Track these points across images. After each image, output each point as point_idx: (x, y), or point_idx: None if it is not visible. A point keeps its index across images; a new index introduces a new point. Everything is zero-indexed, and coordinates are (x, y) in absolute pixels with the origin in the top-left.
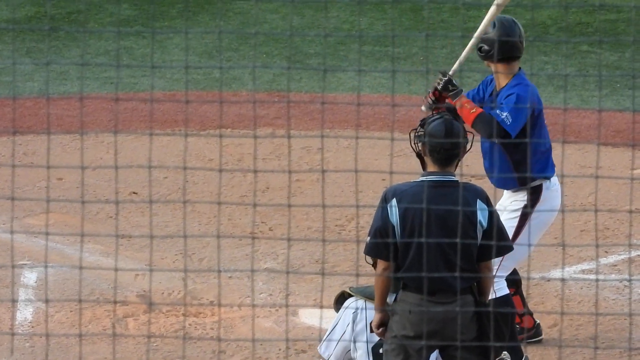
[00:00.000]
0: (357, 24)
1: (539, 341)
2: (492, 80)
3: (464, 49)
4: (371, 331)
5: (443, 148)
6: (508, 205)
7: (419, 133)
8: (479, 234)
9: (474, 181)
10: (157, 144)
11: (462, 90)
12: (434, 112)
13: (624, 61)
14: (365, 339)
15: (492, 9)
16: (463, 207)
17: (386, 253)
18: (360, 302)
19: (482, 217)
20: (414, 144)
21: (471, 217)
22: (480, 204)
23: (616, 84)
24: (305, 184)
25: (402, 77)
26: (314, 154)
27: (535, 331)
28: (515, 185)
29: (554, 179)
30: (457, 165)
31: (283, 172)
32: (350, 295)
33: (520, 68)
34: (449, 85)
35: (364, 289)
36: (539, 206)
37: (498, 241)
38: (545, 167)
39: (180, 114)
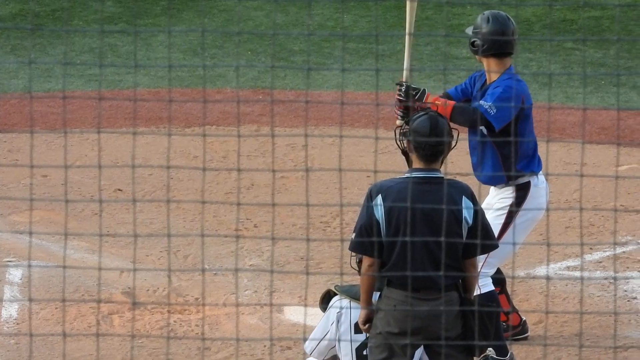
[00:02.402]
0: (341, 21)
1: (525, 339)
2: (481, 75)
3: (404, 53)
4: (356, 331)
5: (428, 144)
6: (495, 202)
7: (404, 130)
8: (464, 232)
9: (459, 179)
10: (141, 142)
11: (425, 90)
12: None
13: (609, 58)
14: (349, 338)
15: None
16: (448, 204)
17: (371, 250)
18: (345, 302)
19: (467, 214)
20: (399, 141)
21: (457, 215)
22: (465, 201)
23: (601, 81)
24: (290, 181)
25: (386, 74)
26: (299, 151)
27: (521, 329)
28: (503, 181)
29: (541, 177)
30: (442, 162)
31: (267, 169)
32: (335, 294)
33: (511, 65)
34: (410, 92)
35: (349, 288)
36: (526, 204)
37: (483, 239)
38: (533, 163)
39: (165, 111)
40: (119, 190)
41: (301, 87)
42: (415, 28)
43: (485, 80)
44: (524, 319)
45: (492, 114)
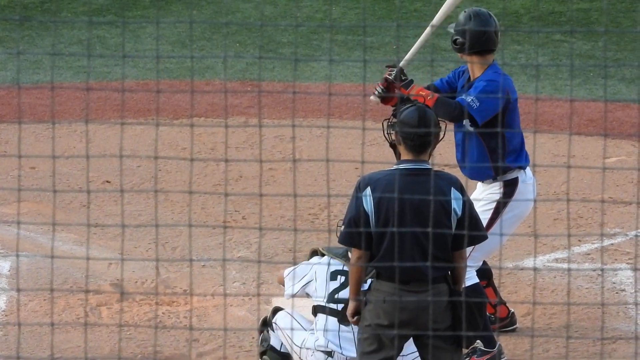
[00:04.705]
0: (330, 13)
1: (514, 330)
2: (464, 71)
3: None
4: (331, 279)
5: (417, 135)
6: (482, 198)
7: (392, 122)
8: (454, 223)
9: (447, 170)
10: (129, 133)
11: (412, 81)
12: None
13: (597, 50)
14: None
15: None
16: (437, 195)
17: (360, 242)
18: (326, 258)
19: (456, 205)
20: (387, 133)
21: (446, 206)
22: (454, 193)
23: (589, 73)
24: (278, 173)
25: (374, 66)
26: (287, 142)
27: (509, 320)
28: (490, 176)
29: (529, 172)
30: (430, 154)
31: (255, 161)
32: (323, 254)
33: (494, 60)
34: (401, 75)
35: (333, 249)
36: (513, 200)
37: (472, 230)
38: (521, 157)
39: (153, 103)
40: (107, 182)
41: (289, 79)
42: (404, 20)
43: (469, 76)
44: (512, 310)
45: (475, 107)
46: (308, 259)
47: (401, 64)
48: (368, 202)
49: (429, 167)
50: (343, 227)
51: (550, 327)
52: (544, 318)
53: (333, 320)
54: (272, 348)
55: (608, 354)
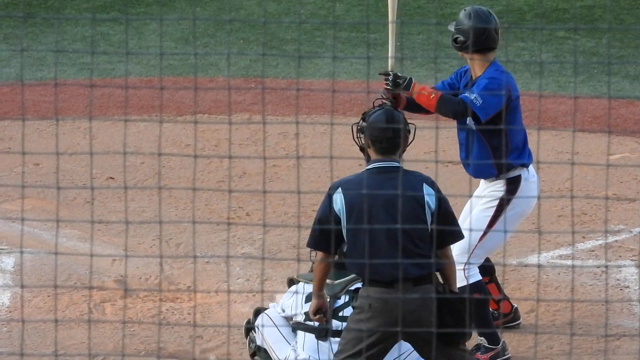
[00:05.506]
0: (333, 10)
1: (517, 326)
2: (467, 70)
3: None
4: (306, 301)
5: (385, 137)
6: (484, 195)
7: (360, 126)
8: (428, 217)
9: (450, 167)
10: (133, 130)
11: (411, 79)
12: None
13: (601, 47)
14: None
15: None
16: (409, 190)
17: (327, 245)
18: (301, 285)
19: (429, 200)
20: (357, 137)
21: (419, 200)
22: (427, 189)
23: (593, 70)
24: (282, 170)
25: (378, 63)
26: (291, 139)
27: (512, 316)
28: (493, 174)
29: (532, 170)
30: (400, 155)
31: (259, 157)
32: (298, 281)
33: (495, 58)
34: (398, 81)
35: (308, 275)
36: (515, 199)
37: (448, 225)
38: (523, 155)
39: (157, 99)
40: (111, 178)
41: (293, 76)
42: (407, 17)
43: (471, 76)
44: (515, 306)
45: (478, 104)
46: (289, 283)
47: (390, 68)
48: (338, 202)
49: (398, 165)
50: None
51: (554, 323)
52: (547, 315)
53: (311, 337)
54: (260, 348)
55: (612, 351)
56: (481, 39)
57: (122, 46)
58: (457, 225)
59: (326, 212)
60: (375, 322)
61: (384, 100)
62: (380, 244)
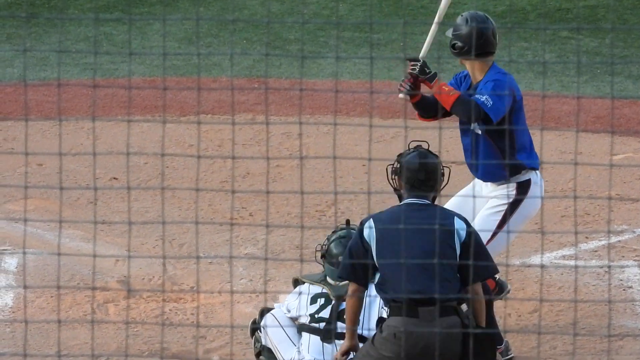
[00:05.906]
0: (337, 10)
1: (507, 292)
2: (466, 75)
3: (428, 33)
4: (311, 303)
5: (418, 179)
6: (493, 196)
7: (395, 168)
8: (457, 246)
9: (455, 167)
10: (136, 130)
11: (436, 74)
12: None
13: (604, 47)
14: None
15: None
16: (440, 220)
17: (359, 276)
18: (305, 286)
19: (459, 229)
20: (391, 179)
21: (449, 227)
22: (458, 222)
23: (596, 70)
24: (285, 170)
25: (381, 63)
26: (294, 139)
27: (499, 288)
28: (504, 176)
29: (539, 174)
30: (434, 199)
31: (262, 158)
32: (303, 282)
33: (493, 62)
34: (425, 69)
35: (312, 275)
36: (524, 202)
37: (479, 259)
38: (531, 156)
39: (160, 99)
40: (114, 178)
41: (296, 76)
42: (410, 17)
43: (471, 81)
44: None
45: (489, 105)
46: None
47: (421, 56)
48: (369, 234)
49: (430, 202)
50: (341, 258)
51: (557, 324)
52: (551, 315)
53: (316, 339)
54: (265, 348)
55: (615, 351)
56: (479, 44)
57: (125, 46)
58: (491, 259)
59: (358, 243)
60: (398, 350)
61: (403, 86)
62: (410, 270)
